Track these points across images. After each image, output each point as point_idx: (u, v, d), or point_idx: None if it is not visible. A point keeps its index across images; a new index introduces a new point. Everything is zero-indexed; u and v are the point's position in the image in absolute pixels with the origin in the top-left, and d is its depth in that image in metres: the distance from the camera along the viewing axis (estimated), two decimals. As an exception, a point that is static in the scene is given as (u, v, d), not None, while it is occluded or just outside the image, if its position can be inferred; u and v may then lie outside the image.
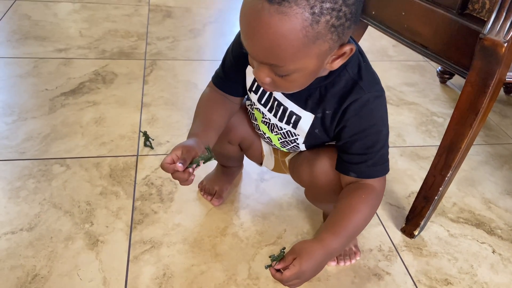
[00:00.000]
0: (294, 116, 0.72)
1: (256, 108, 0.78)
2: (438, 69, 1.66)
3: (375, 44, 1.89)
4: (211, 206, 0.99)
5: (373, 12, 1.08)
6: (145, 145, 1.15)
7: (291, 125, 0.73)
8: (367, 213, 0.68)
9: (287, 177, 1.04)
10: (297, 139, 0.75)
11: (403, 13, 0.98)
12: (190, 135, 0.74)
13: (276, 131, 0.77)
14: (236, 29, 1.92)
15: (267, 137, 0.81)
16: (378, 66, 1.68)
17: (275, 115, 0.75)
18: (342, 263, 0.86)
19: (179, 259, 0.86)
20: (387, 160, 0.70)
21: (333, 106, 0.67)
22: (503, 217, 1.04)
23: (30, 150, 1.09)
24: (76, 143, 1.13)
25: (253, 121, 0.83)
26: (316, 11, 0.51)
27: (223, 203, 1.00)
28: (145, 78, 1.45)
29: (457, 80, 1.65)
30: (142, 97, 1.35)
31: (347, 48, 0.58)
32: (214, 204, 0.99)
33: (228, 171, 1.02)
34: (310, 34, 0.52)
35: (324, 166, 0.72)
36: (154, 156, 1.12)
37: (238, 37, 0.74)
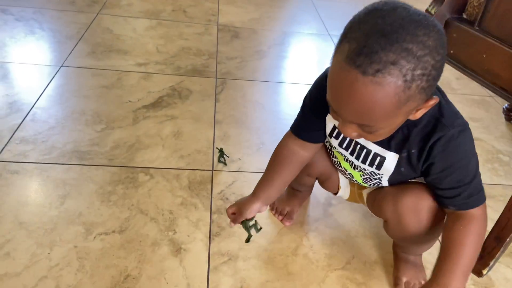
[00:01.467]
0: (378, 158, 0.75)
1: (338, 152, 0.83)
2: (504, 106, 1.65)
3: (438, 75, 1.90)
4: (282, 226, 1.05)
5: (452, 51, 1.11)
6: (219, 161, 1.23)
7: (374, 166, 0.77)
8: (474, 244, 0.69)
9: (354, 204, 1.09)
10: (381, 178, 0.79)
11: (484, 56, 1.01)
12: (255, 190, 0.90)
13: (359, 169, 0.82)
14: (302, 53, 1.99)
15: (348, 174, 0.86)
16: (441, 98, 1.69)
17: (357, 158, 0.79)
18: (411, 294, 0.89)
19: (254, 273, 0.92)
20: (481, 189, 0.72)
21: (418, 145, 0.70)
22: None
23: (118, 157, 1.20)
24: (157, 154, 1.23)
25: (333, 158, 0.88)
26: (408, 79, 0.53)
27: (293, 224, 1.05)
28: (216, 96, 1.55)
29: (524, 118, 1.63)
30: (215, 115, 1.44)
31: (432, 102, 0.61)
32: (285, 224, 1.05)
33: (299, 194, 1.07)
34: (402, 98, 0.55)
35: (409, 204, 0.75)
36: (228, 172, 1.20)
37: (316, 86, 0.78)
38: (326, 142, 0.87)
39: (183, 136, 1.32)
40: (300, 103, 0.83)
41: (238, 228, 1.02)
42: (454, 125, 0.67)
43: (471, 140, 0.70)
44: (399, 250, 0.93)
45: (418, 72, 0.54)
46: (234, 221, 0.88)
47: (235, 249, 0.97)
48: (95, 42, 1.80)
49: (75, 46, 1.75)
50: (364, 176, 0.82)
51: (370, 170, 0.78)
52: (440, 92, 0.69)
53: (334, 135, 0.80)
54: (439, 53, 0.55)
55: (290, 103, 1.58)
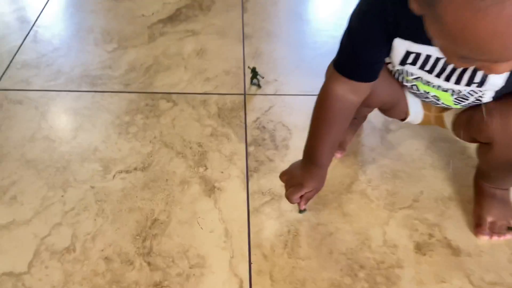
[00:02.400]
0: (481, 73, 0.56)
1: (416, 78, 0.63)
2: None
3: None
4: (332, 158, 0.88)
5: None
6: (252, 83, 1.04)
7: (474, 85, 0.58)
8: None
9: (417, 128, 0.90)
10: (482, 95, 0.60)
11: None
12: (310, 155, 0.71)
13: (450, 91, 0.62)
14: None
15: (432, 96, 0.66)
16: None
17: (447, 79, 0.59)
18: (495, 237, 0.74)
19: (302, 215, 0.77)
20: None
21: None
22: None
23: (134, 82, 1.02)
24: (180, 76, 1.05)
25: (404, 83, 0.68)
26: None
27: (345, 155, 0.89)
28: (243, 5, 1.31)
29: None
30: (243, 27, 1.22)
31: None
32: (337, 156, 0.88)
33: (352, 121, 0.88)
34: None
35: None
36: (263, 96, 1.01)
37: (372, 2, 0.57)
38: (389, 64, 0.66)
39: (207, 55, 1.12)
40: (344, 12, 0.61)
41: (281, 162, 0.86)
42: None
43: None
44: (483, 183, 0.75)
45: None
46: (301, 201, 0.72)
47: (278, 187, 0.82)
48: None
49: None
50: (456, 96, 0.62)
51: (467, 90, 0.59)
52: None
53: (409, 61, 0.59)
54: None
55: (334, 10, 1.33)
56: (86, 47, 1.11)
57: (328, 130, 0.67)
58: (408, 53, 0.59)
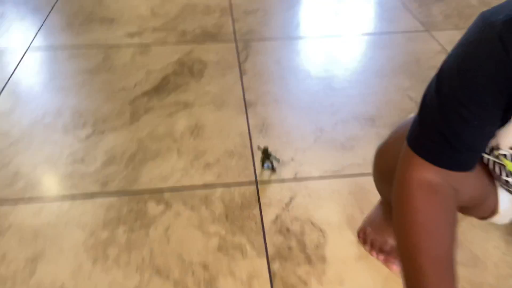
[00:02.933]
0: None
1: None
2: None
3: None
4: (386, 272, 0.65)
5: None
6: (264, 166, 0.82)
7: None
8: None
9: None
10: None
11: None
12: None
13: None
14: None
15: None
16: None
17: None
18: None
19: None
20: None
21: None
22: None
23: (114, 178, 0.80)
24: (172, 165, 0.83)
25: (504, 177, 0.46)
26: None
27: (402, 264, 0.66)
28: (241, 67, 1.12)
29: None
30: (244, 94, 1.02)
31: None
32: (392, 269, 0.65)
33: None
34: None
35: None
36: (280, 184, 0.80)
37: (474, 55, 0.39)
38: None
39: (205, 132, 0.91)
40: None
41: (319, 285, 0.63)
42: None
43: None
44: None
45: None
46: None
47: (321, 326, 0.58)
48: (70, 12, 1.37)
49: (45, 19, 1.32)
50: None
51: None
52: None
53: None
54: None
55: (348, 63, 1.14)
56: (52, 136, 0.89)
57: (431, 237, 0.43)
58: None
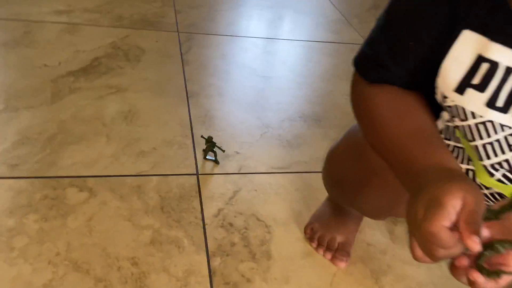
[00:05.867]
0: None
1: (481, 123, 0.40)
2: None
3: None
4: (334, 269, 0.61)
5: None
6: (206, 157, 0.75)
7: None
8: None
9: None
10: None
11: None
12: (430, 167, 0.36)
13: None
14: None
15: (490, 193, 0.43)
16: None
17: None
18: None
19: None
20: None
21: None
22: None
23: (27, 161, 0.67)
24: (99, 150, 0.72)
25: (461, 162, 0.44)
26: None
27: (351, 263, 0.62)
28: (183, 57, 1.05)
29: None
30: (185, 83, 0.95)
31: None
32: (340, 266, 0.61)
33: (354, 214, 0.63)
34: None
35: None
36: (224, 176, 0.73)
37: None
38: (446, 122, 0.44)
39: (140, 119, 0.82)
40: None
41: (263, 282, 0.57)
42: None
43: None
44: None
45: None
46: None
47: (266, 328, 0.52)
48: (-13, -19, 1.20)
49: (-46, -16, 1.14)
50: None
51: None
52: None
53: (478, 79, 0.37)
54: None
55: (291, 64, 1.12)
56: (-49, 108, 0.74)
57: (401, 121, 0.41)
58: (479, 61, 0.36)
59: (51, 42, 1.00)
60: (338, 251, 0.62)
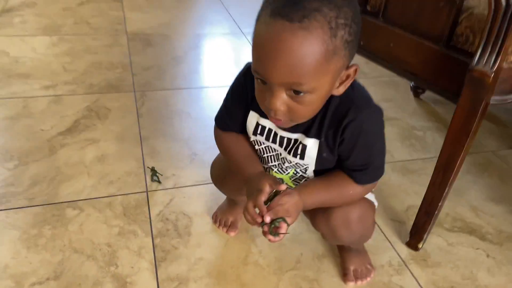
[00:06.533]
0: (301, 146, 0.75)
1: (266, 147, 0.83)
2: (411, 84, 1.78)
3: (350, 61, 2.00)
4: (227, 237, 1.03)
5: (361, 43, 1.16)
6: (153, 180, 1.18)
7: (298, 156, 0.77)
8: (338, 195, 0.77)
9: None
10: (306, 169, 0.79)
11: (391, 45, 1.07)
12: (254, 174, 0.78)
13: (286, 168, 0.82)
14: (219, 54, 1.97)
15: (279, 179, 0.86)
16: (356, 83, 1.79)
17: (280, 145, 0.78)
18: (359, 282, 0.93)
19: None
20: (378, 169, 0.78)
21: (333, 127, 0.71)
22: (491, 222, 1.15)
23: (39, 195, 1.09)
24: (83, 183, 1.14)
25: (264, 165, 0.87)
26: (333, 26, 0.56)
27: (238, 233, 1.04)
28: (138, 111, 1.47)
29: (430, 94, 1.78)
30: (140, 131, 1.38)
31: (352, 69, 0.65)
32: (231, 235, 1.03)
33: (241, 203, 1.06)
34: (330, 47, 0.57)
35: (339, 219, 0.79)
36: (164, 190, 1.15)
37: (237, 80, 0.79)
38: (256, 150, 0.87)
39: (109, 160, 1.24)
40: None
41: (184, 248, 0.99)
42: (366, 106, 0.71)
43: (381, 124, 0.74)
44: (341, 245, 0.97)
45: (341, 21, 0.57)
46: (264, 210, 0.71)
47: (184, 271, 0.94)
48: (-10, 68, 1.62)
49: (-34, 75, 1.56)
50: (292, 177, 0.83)
51: (295, 162, 0.78)
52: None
53: (258, 131, 0.79)
54: (355, 7, 0.60)
55: (216, 107, 1.55)
56: (-15, 167, 1.16)
57: (237, 150, 0.83)
58: (257, 124, 0.79)
59: (44, 112, 1.42)
60: (230, 227, 1.04)
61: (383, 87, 1.82)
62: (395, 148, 1.43)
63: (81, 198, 1.10)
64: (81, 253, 0.95)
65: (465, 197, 1.23)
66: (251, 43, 0.62)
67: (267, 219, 0.67)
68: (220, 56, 1.98)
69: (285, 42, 0.56)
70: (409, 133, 1.52)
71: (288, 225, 0.69)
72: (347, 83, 0.66)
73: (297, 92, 0.61)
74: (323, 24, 0.56)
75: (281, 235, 0.69)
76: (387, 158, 1.37)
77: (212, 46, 2.08)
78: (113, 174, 1.19)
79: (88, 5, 2.29)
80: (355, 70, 0.65)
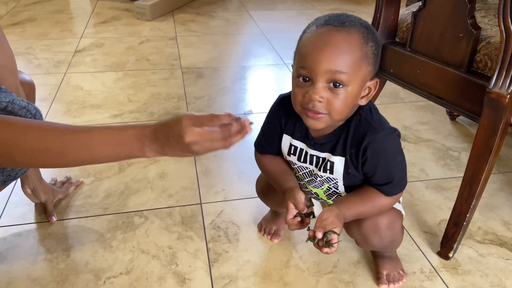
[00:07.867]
0: (329, 163, 0.88)
1: (299, 167, 0.96)
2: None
3: (387, 87, 2.11)
4: (271, 243, 1.17)
5: (392, 70, 1.29)
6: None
7: (328, 171, 0.90)
8: (373, 207, 0.88)
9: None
10: (337, 183, 0.92)
11: (418, 71, 1.19)
12: (290, 188, 0.90)
13: (319, 182, 0.94)
14: (262, 83, 2.15)
15: (314, 193, 0.99)
16: (393, 108, 1.89)
17: (311, 163, 0.91)
18: (392, 286, 1.02)
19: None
20: (401, 183, 0.88)
21: (354, 146, 0.83)
22: (523, 236, 1.20)
23: (111, 205, 1.28)
24: (147, 196, 1.33)
25: (299, 182, 0.99)
26: (365, 36, 0.74)
27: (281, 240, 1.17)
28: (192, 135, 1.66)
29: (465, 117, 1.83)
30: (194, 152, 1.56)
31: (374, 81, 0.79)
32: (274, 241, 1.16)
33: (283, 214, 1.20)
34: (363, 50, 0.74)
35: (370, 226, 0.90)
36: (215, 203, 1.31)
37: (272, 109, 0.94)
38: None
39: (168, 177, 1.42)
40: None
41: (234, 252, 1.13)
42: (383, 128, 0.82)
43: (398, 142, 0.86)
44: (374, 250, 1.07)
45: (370, 36, 0.76)
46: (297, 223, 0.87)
47: (234, 271, 1.07)
48: (68, 101, 1.89)
49: (50, 107, 1.83)
50: (326, 192, 0.95)
51: (326, 176, 0.90)
52: (371, 103, 0.86)
53: (292, 151, 0.93)
54: (377, 37, 0.78)
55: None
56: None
57: (274, 169, 0.98)
58: (291, 145, 0.92)
59: (113, 137, 1.64)
60: (273, 234, 1.17)
61: (420, 111, 1.91)
62: (430, 167, 1.51)
63: (146, 208, 1.28)
64: (147, 254, 1.12)
65: (498, 213, 1.29)
66: (296, 51, 0.79)
67: (319, 235, 0.78)
68: (264, 85, 2.16)
69: (332, 37, 0.73)
70: (444, 153, 1.59)
71: (338, 234, 0.79)
72: (370, 96, 0.81)
73: (335, 85, 0.73)
74: (358, 33, 0.74)
75: (335, 245, 0.78)
76: (421, 176, 1.47)
77: (257, 77, 2.27)
78: (172, 188, 1.37)
79: (147, 44, 2.57)
80: (376, 83, 0.80)
